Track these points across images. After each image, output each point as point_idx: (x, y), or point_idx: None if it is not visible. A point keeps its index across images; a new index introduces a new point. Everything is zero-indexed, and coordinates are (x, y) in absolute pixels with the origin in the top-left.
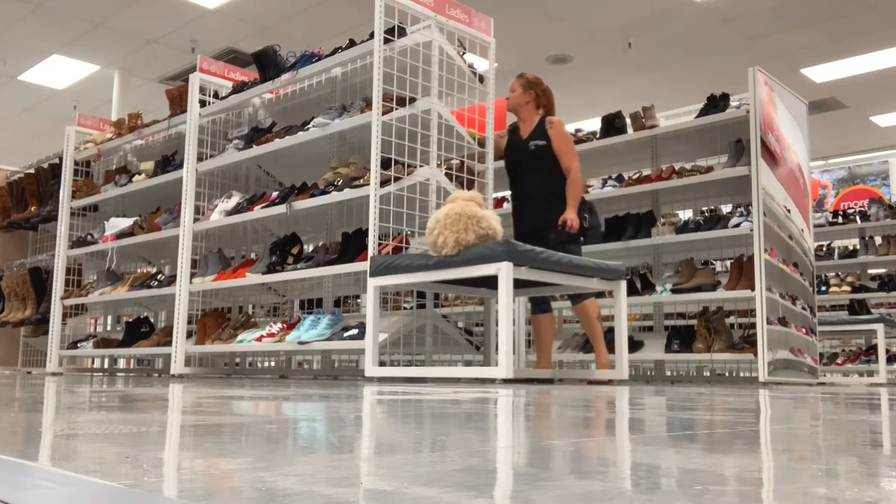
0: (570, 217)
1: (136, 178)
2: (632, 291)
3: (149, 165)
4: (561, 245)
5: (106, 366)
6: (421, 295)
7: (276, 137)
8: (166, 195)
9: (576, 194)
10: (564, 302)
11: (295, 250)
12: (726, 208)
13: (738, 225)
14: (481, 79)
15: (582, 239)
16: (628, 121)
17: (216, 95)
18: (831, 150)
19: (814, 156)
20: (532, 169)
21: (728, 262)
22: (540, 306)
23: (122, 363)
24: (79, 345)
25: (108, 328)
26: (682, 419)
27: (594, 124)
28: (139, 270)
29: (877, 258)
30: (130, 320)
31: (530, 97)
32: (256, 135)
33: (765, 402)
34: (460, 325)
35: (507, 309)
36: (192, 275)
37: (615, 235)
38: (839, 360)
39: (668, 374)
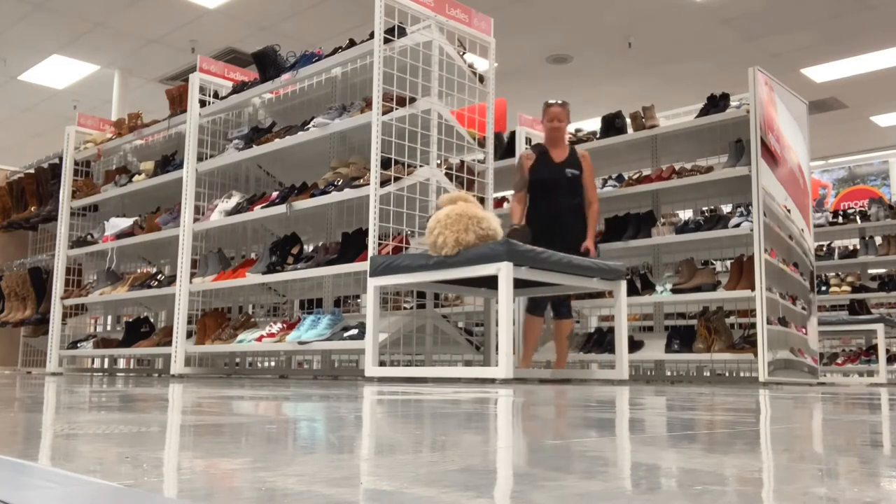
0: (591, 248)
1: (136, 178)
2: (632, 291)
3: (149, 165)
4: None
5: (106, 366)
6: (421, 295)
7: (276, 137)
8: (166, 195)
9: (595, 225)
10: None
11: (295, 250)
12: (726, 208)
13: (738, 225)
14: (481, 79)
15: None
16: (628, 121)
17: (216, 95)
18: (831, 150)
19: (814, 156)
20: (565, 194)
21: (728, 262)
22: (537, 308)
23: (122, 363)
24: (79, 345)
25: (108, 328)
26: (682, 419)
27: (594, 124)
28: (139, 270)
29: (877, 258)
30: (130, 320)
31: (568, 122)
32: (256, 135)
33: (765, 402)
34: (460, 325)
35: (507, 309)
36: (192, 275)
37: (615, 235)
38: (839, 360)
39: (668, 374)
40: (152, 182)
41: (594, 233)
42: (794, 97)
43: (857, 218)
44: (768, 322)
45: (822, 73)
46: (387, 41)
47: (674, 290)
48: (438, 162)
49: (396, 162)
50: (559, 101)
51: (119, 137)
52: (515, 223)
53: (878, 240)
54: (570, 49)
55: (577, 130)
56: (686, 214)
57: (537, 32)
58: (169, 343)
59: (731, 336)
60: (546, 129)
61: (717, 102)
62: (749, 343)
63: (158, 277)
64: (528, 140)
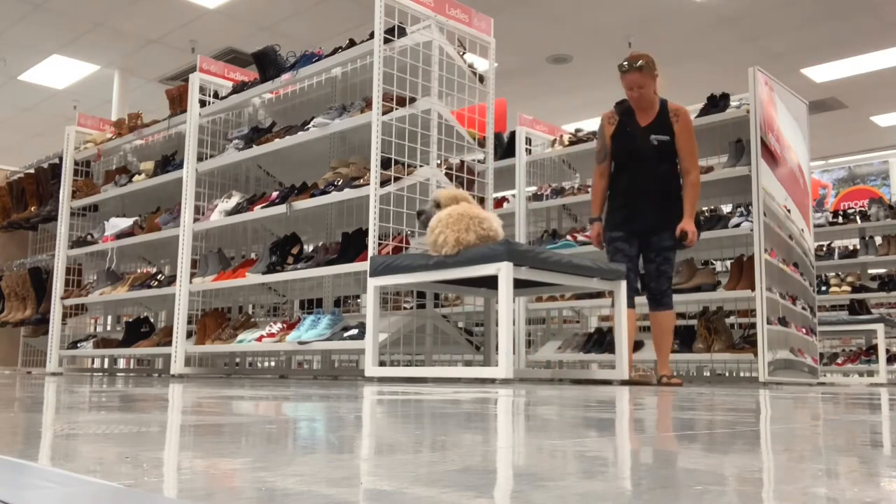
0: (691, 229)
1: (136, 178)
2: None
3: (149, 165)
4: (666, 251)
5: (106, 366)
6: (421, 295)
7: (276, 137)
8: (166, 195)
9: (695, 201)
10: (564, 302)
11: (295, 250)
12: (726, 208)
13: (738, 225)
14: (481, 79)
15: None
16: None
17: (216, 95)
18: (831, 150)
19: (814, 156)
20: (650, 164)
21: (728, 262)
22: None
23: (122, 363)
24: (79, 345)
25: (108, 328)
26: (682, 419)
27: (594, 124)
28: (139, 270)
29: (877, 258)
30: (130, 320)
31: (653, 81)
32: (256, 135)
33: (765, 402)
34: (460, 325)
35: (507, 309)
36: (192, 275)
37: None
38: (839, 360)
39: None
40: (152, 182)
41: (693, 209)
42: (794, 97)
43: (857, 218)
44: (768, 322)
45: (822, 73)
46: (387, 41)
47: (674, 290)
48: (438, 162)
49: (396, 162)
50: (634, 64)
51: (119, 137)
52: (595, 214)
53: (878, 240)
54: (570, 49)
55: (578, 130)
56: None
57: (537, 32)
58: (169, 343)
59: (731, 336)
60: (629, 99)
61: (717, 102)
62: (749, 343)
63: (158, 277)
64: (528, 140)
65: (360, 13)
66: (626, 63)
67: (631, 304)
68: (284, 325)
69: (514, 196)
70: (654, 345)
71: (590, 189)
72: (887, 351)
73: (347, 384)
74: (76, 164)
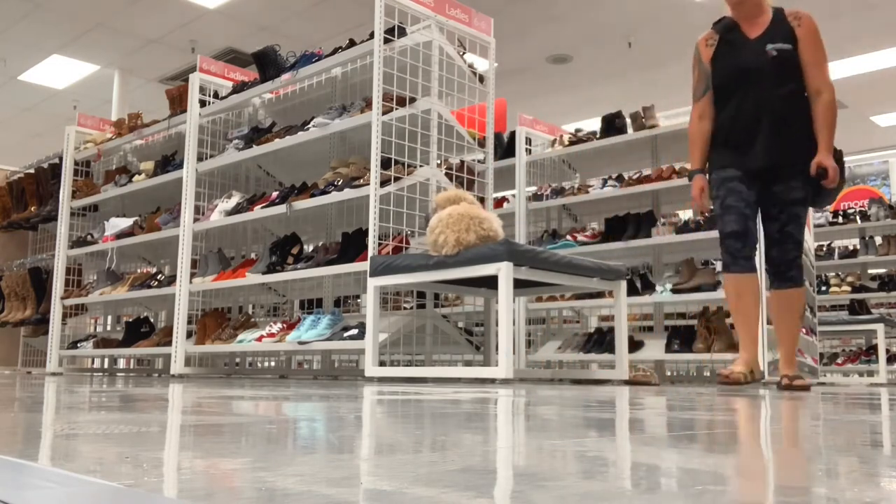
0: (831, 164)
1: (136, 178)
2: (632, 291)
3: (149, 165)
4: (794, 206)
5: (106, 366)
6: (421, 295)
7: (276, 137)
8: (166, 195)
9: (832, 128)
10: (564, 302)
11: (295, 250)
12: None
13: None
14: (481, 79)
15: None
16: (628, 121)
17: (216, 95)
18: None
19: None
20: (767, 83)
21: None
22: (737, 262)
23: (122, 363)
24: (79, 345)
25: (108, 328)
26: (682, 419)
27: (594, 124)
28: (139, 270)
29: (877, 258)
30: (130, 320)
31: None
32: (256, 135)
33: (765, 402)
34: (460, 325)
35: (507, 309)
36: (192, 275)
37: (615, 235)
38: (839, 360)
39: (668, 374)
40: (152, 182)
41: (830, 141)
42: None
43: (857, 218)
44: (768, 322)
45: None
46: (387, 41)
47: (674, 290)
48: (438, 162)
49: (396, 162)
50: None
51: (119, 137)
52: (696, 166)
53: (878, 240)
54: (570, 49)
55: (578, 130)
56: (686, 214)
57: (537, 32)
58: (169, 343)
59: (731, 336)
60: (731, 6)
61: None
62: None
63: (158, 277)
64: (528, 140)
65: (360, 13)
66: None
67: (751, 268)
68: (284, 325)
69: (514, 196)
70: (777, 333)
71: (590, 189)
72: (887, 351)
73: (347, 384)
74: (76, 164)
